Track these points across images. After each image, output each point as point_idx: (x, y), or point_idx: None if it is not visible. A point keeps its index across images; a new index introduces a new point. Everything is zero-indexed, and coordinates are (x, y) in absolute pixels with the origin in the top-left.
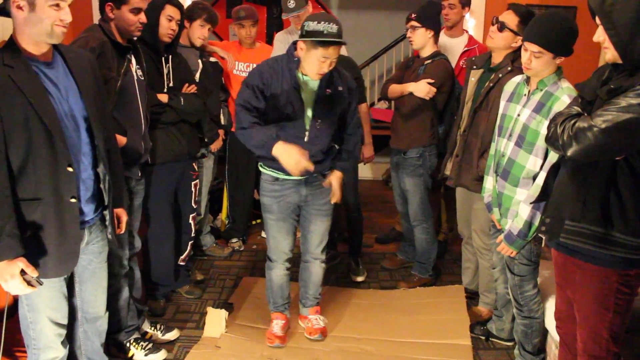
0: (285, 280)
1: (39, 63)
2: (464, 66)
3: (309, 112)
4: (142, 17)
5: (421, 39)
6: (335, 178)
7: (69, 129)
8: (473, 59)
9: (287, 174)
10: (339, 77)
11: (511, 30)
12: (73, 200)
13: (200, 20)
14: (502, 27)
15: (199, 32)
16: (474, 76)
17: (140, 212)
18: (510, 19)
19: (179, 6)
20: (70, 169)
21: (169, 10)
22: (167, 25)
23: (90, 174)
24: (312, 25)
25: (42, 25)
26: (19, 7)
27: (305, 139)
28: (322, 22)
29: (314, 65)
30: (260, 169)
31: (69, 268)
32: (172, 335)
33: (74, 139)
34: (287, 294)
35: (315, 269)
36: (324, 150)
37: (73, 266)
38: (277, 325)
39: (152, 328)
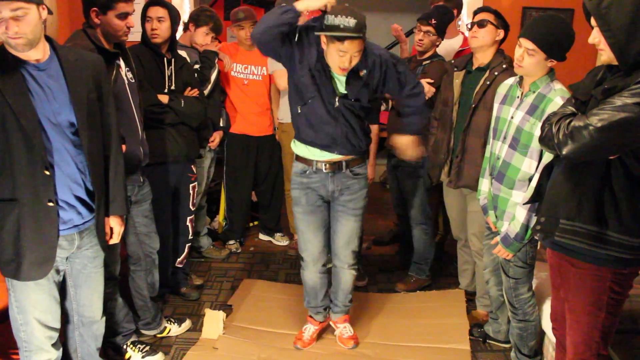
0: (319, 283)
1: (28, 65)
2: None
3: (339, 90)
4: (130, 22)
5: (431, 45)
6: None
7: (50, 132)
8: (452, 61)
9: (318, 149)
10: (371, 57)
11: (492, 24)
12: (51, 204)
13: (206, 28)
14: (482, 23)
15: (201, 38)
16: (457, 78)
17: (152, 214)
18: (486, 15)
19: (158, 3)
20: (47, 172)
21: (147, 12)
22: (147, 27)
23: (78, 178)
24: (331, 20)
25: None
26: None
27: (330, 118)
28: (340, 16)
29: (334, 59)
30: (294, 149)
31: (44, 272)
32: (187, 324)
33: (56, 143)
34: (322, 297)
35: (344, 276)
36: (351, 139)
37: (48, 270)
38: (307, 330)
39: (169, 322)
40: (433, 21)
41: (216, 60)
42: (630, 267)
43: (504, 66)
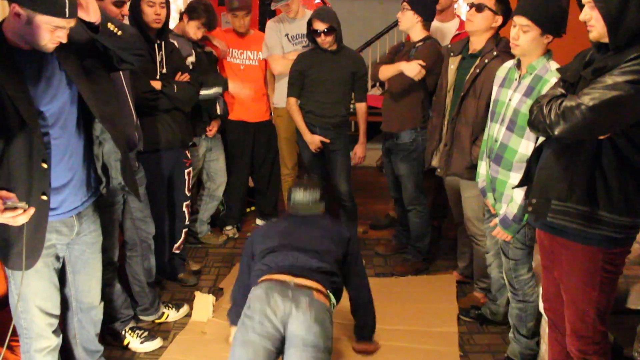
0: None
1: (23, 52)
2: None
3: None
4: (125, 9)
5: (408, 22)
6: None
7: (49, 120)
8: (449, 46)
9: None
10: None
11: (490, 9)
12: (44, 197)
13: (198, 22)
14: (480, 7)
15: (193, 32)
16: (453, 63)
17: (147, 199)
18: None
19: None
20: (44, 165)
21: None
22: (150, 11)
23: (79, 161)
24: None
25: (34, 39)
26: (17, 14)
27: None
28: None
29: None
30: None
31: (30, 264)
32: (185, 310)
33: (57, 130)
34: None
35: None
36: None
37: (34, 262)
38: None
39: (166, 307)
40: None
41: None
42: (621, 246)
43: (495, 53)
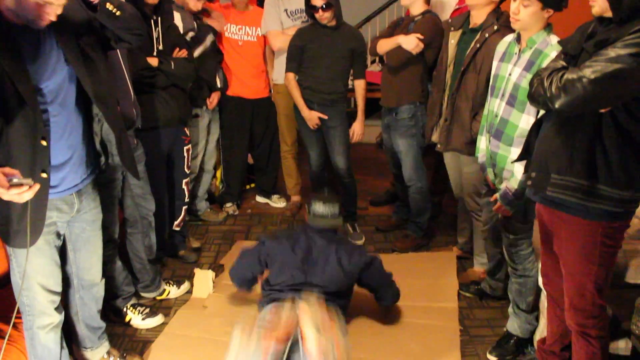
0: None
1: (19, 29)
2: None
3: None
4: None
5: None
6: None
7: (48, 97)
8: (449, 20)
9: None
10: None
11: None
12: (44, 175)
13: None
14: None
15: (193, 3)
16: (453, 38)
17: (146, 176)
18: None
19: None
20: (43, 143)
21: None
22: None
23: (79, 139)
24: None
25: (24, 13)
26: None
27: None
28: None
29: None
30: None
31: (31, 242)
32: (185, 287)
33: (56, 107)
34: None
35: None
36: None
37: (35, 240)
38: None
39: (168, 284)
40: None
41: (207, 37)
42: (620, 220)
43: (495, 27)
